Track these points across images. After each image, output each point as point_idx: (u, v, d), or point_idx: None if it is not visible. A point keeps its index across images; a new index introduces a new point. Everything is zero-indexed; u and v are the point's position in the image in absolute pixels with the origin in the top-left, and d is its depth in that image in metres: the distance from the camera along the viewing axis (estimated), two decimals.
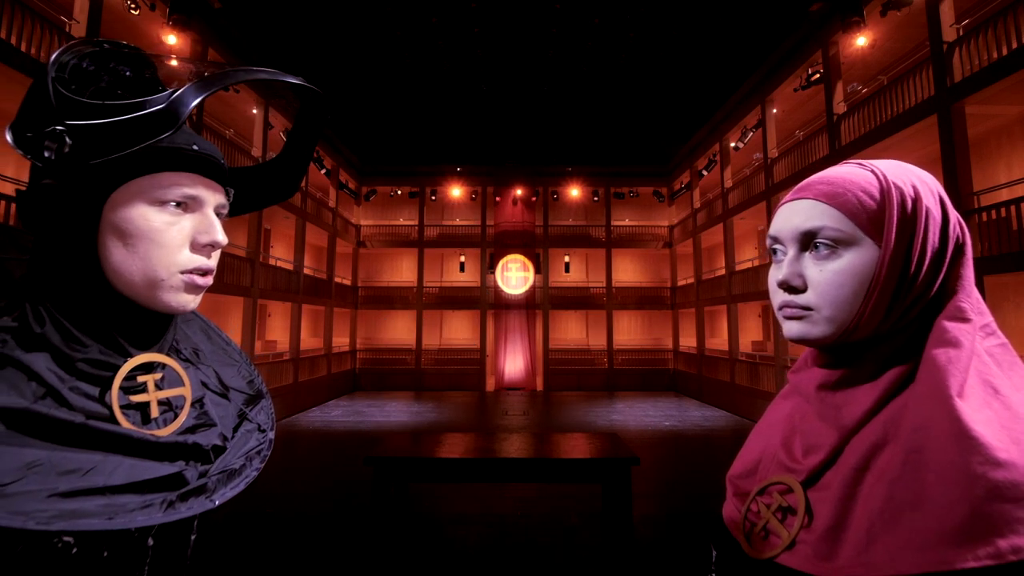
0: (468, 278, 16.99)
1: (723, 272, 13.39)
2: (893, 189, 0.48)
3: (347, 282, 16.34)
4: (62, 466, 0.44)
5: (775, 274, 0.54)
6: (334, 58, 12.39)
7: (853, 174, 0.51)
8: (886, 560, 0.40)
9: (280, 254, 14.03)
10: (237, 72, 0.52)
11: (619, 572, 3.30)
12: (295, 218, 12.40)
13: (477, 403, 12.57)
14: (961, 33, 6.97)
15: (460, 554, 3.67)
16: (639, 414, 10.76)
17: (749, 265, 13.24)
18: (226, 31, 9.50)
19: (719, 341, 15.26)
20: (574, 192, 16.84)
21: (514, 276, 16.03)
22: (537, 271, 16.25)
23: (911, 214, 0.48)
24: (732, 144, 12.76)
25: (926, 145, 7.66)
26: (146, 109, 0.46)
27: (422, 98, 14.29)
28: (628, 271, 18.29)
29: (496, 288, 15.98)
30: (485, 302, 16.25)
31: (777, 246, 0.54)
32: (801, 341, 0.51)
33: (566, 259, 17.06)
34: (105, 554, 0.47)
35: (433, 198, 17.17)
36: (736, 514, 0.57)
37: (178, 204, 0.52)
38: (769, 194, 11.07)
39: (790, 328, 0.52)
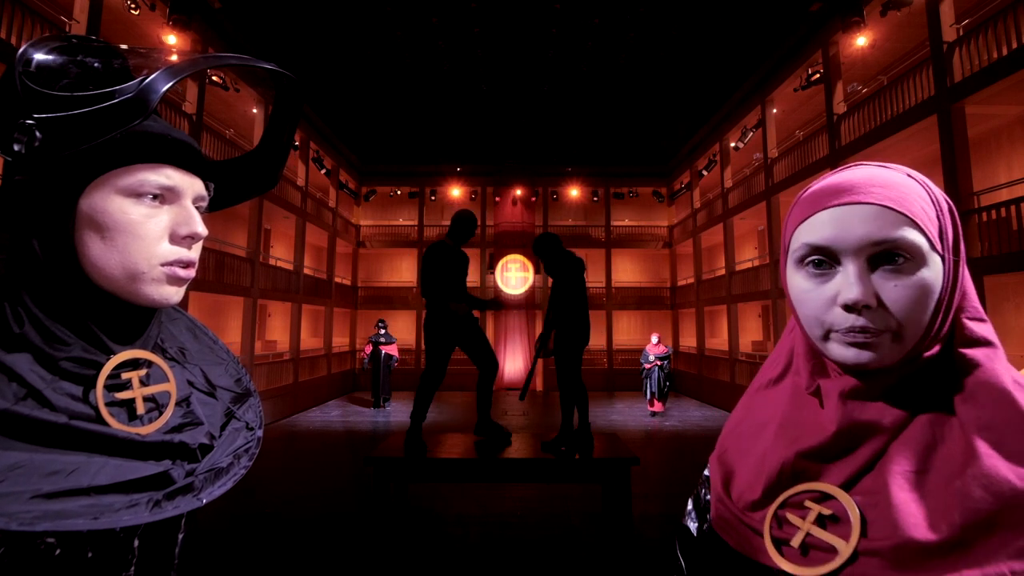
0: (468, 278, 16.96)
1: (723, 272, 13.39)
2: (942, 200, 0.47)
3: (347, 282, 16.34)
4: (45, 467, 0.43)
5: (824, 292, 0.46)
6: (334, 58, 12.39)
7: (900, 179, 0.47)
8: (988, 558, 0.37)
9: (280, 254, 14.04)
10: (208, 58, 0.52)
11: (619, 572, 3.30)
12: (295, 218, 12.40)
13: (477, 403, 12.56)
14: (961, 33, 6.97)
15: (460, 554, 3.67)
16: (639, 414, 10.76)
17: (749, 265, 13.24)
18: (226, 31, 9.50)
19: (719, 341, 15.27)
20: (574, 192, 16.84)
21: (514, 276, 16.02)
22: (537, 271, 16.25)
23: (952, 219, 0.47)
24: (732, 144, 12.77)
25: (926, 145, 7.66)
26: (116, 98, 0.46)
27: (422, 98, 14.28)
28: (628, 271, 18.30)
29: (496, 288, 15.98)
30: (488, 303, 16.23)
31: (821, 257, 0.47)
32: (867, 367, 0.45)
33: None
34: (90, 555, 0.46)
35: (433, 198, 17.17)
36: (750, 534, 0.50)
37: (155, 196, 0.51)
38: (769, 194, 11.07)
39: (860, 355, 0.44)
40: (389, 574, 3.37)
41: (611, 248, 16.87)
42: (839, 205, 0.46)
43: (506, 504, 4.81)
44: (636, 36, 11.43)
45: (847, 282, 0.45)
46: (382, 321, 11.57)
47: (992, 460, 0.40)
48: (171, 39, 8.13)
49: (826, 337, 0.47)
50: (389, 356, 11.32)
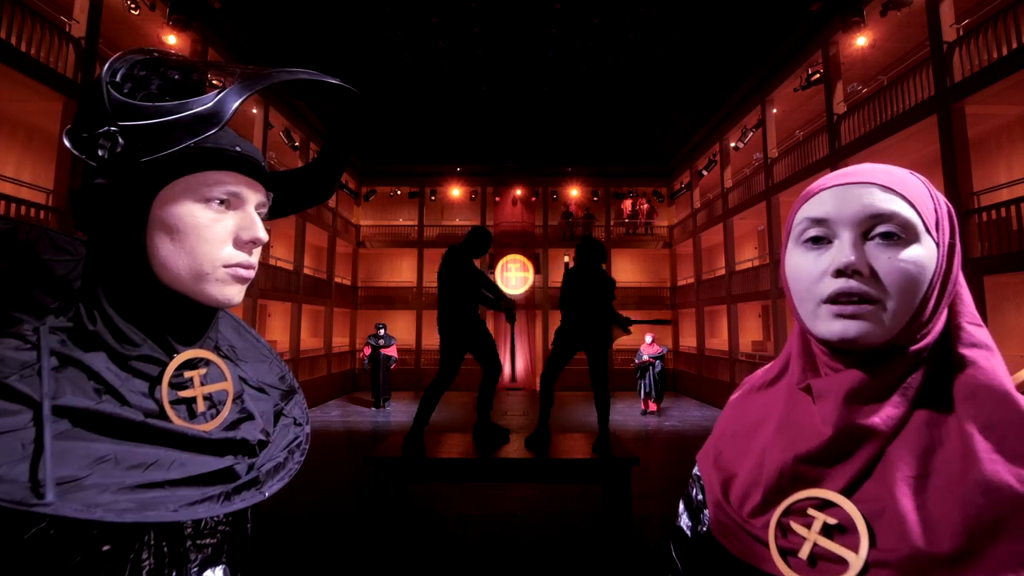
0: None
1: (723, 272, 13.39)
2: (941, 199, 0.49)
3: (347, 282, 16.33)
4: (127, 461, 0.46)
5: (819, 263, 0.48)
6: (334, 58, 12.39)
7: (902, 171, 0.49)
8: (997, 567, 0.37)
9: (280, 254, 14.02)
10: (279, 72, 0.54)
11: (619, 572, 3.30)
12: (295, 218, 12.40)
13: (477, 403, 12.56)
14: (961, 33, 6.97)
15: (460, 554, 3.67)
16: (639, 414, 10.76)
17: (749, 265, 13.24)
18: (226, 31, 9.50)
19: (719, 341, 15.26)
20: (574, 192, 16.84)
21: (514, 276, 16.02)
22: (537, 271, 16.25)
23: (949, 218, 0.48)
24: (732, 144, 12.76)
25: (926, 145, 7.66)
26: (193, 109, 0.48)
27: (422, 98, 14.28)
28: (628, 271, 18.29)
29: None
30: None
31: (819, 231, 0.48)
32: (854, 343, 0.45)
33: (566, 259, 17.05)
34: (136, 546, 0.48)
35: (433, 198, 17.17)
36: (752, 542, 0.49)
37: (222, 201, 0.54)
38: (769, 194, 11.07)
39: (847, 327, 0.45)
40: (389, 574, 3.37)
41: (611, 248, 16.86)
42: (841, 184, 0.48)
43: (506, 504, 4.81)
44: (636, 36, 11.42)
45: (841, 249, 0.46)
46: (382, 325, 11.55)
47: (993, 464, 0.40)
48: (171, 39, 8.13)
49: (816, 311, 0.47)
50: (388, 357, 11.32)
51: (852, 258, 0.45)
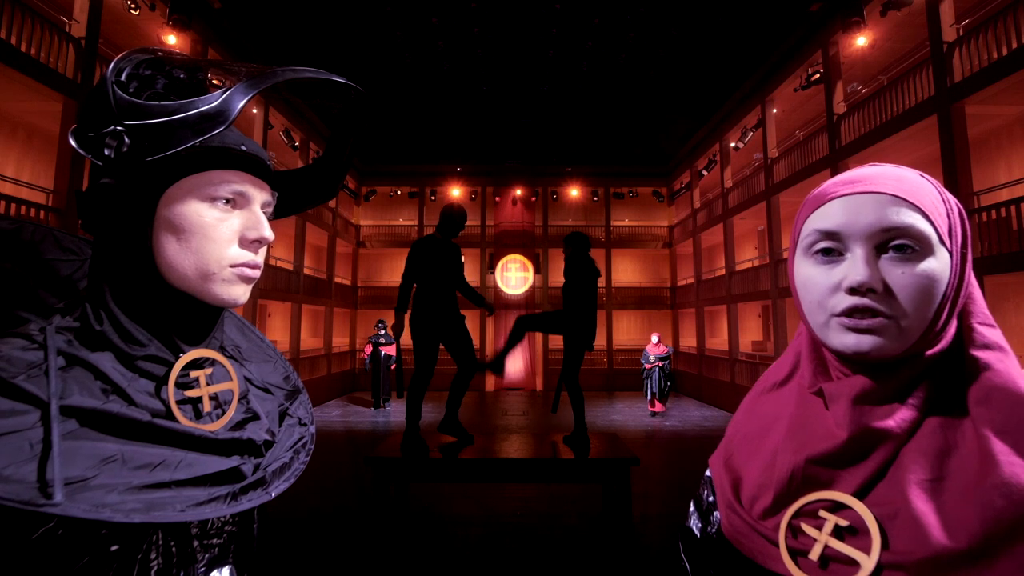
0: (468, 278, 16.74)
1: (723, 272, 13.39)
2: (953, 202, 0.48)
3: (347, 282, 16.33)
4: (134, 461, 0.46)
5: (830, 277, 0.47)
6: (334, 58, 12.39)
7: (912, 176, 0.47)
8: (1016, 571, 0.37)
9: (280, 254, 14.03)
10: (285, 71, 0.54)
11: (619, 572, 3.30)
12: (295, 218, 12.40)
13: (477, 403, 12.57)
14: (961, 33, 6.98)
15: (460, 554, 3.67)
16: (639, 414, 10.76)
17: (749, 265, 13.24)
18: (226, 31, 9.50)
19: (719, 341, 15.27)
20: (574, 192, 16.84)
21: (514, 276, 16.02)
22: (537, 271, 16.25)
23: (961, 222, 0.48)
24: (732, 144, 12.76)
25: (926, 145, 7.66)
26: (198, 108, 0.48)
27: (422, 98, 14.29)
28: (628, 271, 18.30)
29: (496, 288, 15.97)
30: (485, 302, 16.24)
31: (829, 244, 0.47)
32: (867, 356, 0.45)
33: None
34: (144, 546, 0.48)
35: (433, 198, 17.17)
36: (763, 543, 0.49)
37: (227, 201, 0.54)
38: (769, 194, 11.07)
39: (860, 341, 0.44)
40: (389, 574, 3.37)
41: (611, 248, 16.86)
42: (851, 194, 0.47)
43: (506, 504, 4.81)
44: (636, 36, 11.43)
45: (854, 266, 0.45)
46: (382, 322, 11.57)
47: (1012, 467, 0.39)
48: (171, 39, 8.13)
49: (828, 323, 0.47)
50: (389, 357, 11.32)
51: (865, 277, 0.44)
